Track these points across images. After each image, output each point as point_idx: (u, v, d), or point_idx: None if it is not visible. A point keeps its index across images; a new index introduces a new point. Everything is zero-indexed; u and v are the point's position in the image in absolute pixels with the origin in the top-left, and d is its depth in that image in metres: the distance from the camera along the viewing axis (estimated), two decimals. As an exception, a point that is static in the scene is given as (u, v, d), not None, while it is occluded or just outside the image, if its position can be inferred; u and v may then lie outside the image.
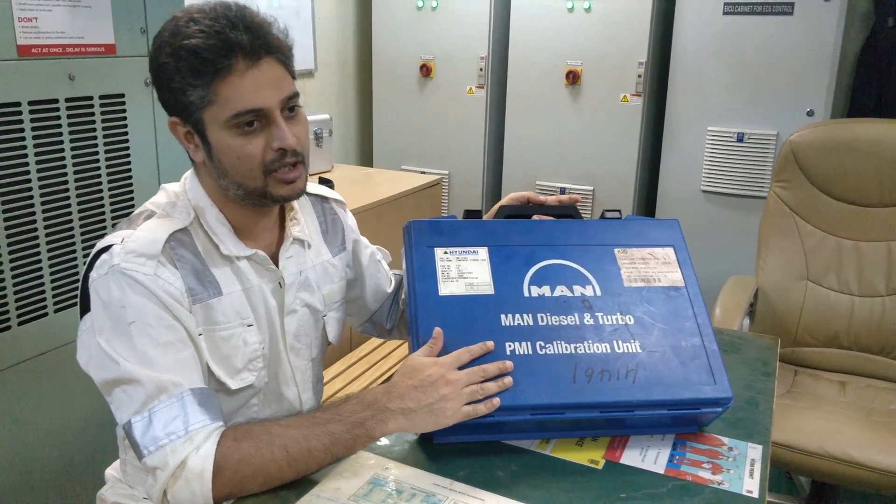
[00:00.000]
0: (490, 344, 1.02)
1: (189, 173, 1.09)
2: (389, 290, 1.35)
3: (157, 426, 0.91)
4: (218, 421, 0.94)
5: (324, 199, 1.25)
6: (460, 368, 0.99)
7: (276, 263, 1.11)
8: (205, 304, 1.02)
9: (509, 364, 1.00)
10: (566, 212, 1.21)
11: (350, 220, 1.29)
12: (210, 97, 0.96)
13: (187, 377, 0.95)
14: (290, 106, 1.01)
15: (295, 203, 1.15)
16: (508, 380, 0.99)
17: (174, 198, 1.06)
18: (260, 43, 0.96)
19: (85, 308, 0.99)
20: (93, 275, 0.98)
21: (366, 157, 3.76)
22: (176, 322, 0.97)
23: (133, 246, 0.97)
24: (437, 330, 1.02)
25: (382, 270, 1.34)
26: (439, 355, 1.01)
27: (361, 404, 0.97)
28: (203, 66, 0.94)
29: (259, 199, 1.03)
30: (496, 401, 0.98)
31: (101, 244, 1.00)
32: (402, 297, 1.36)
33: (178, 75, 0.95)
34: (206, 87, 0.95)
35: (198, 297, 1.01)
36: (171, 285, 0.98)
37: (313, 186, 1.24)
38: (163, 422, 0.91)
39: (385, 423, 0.96)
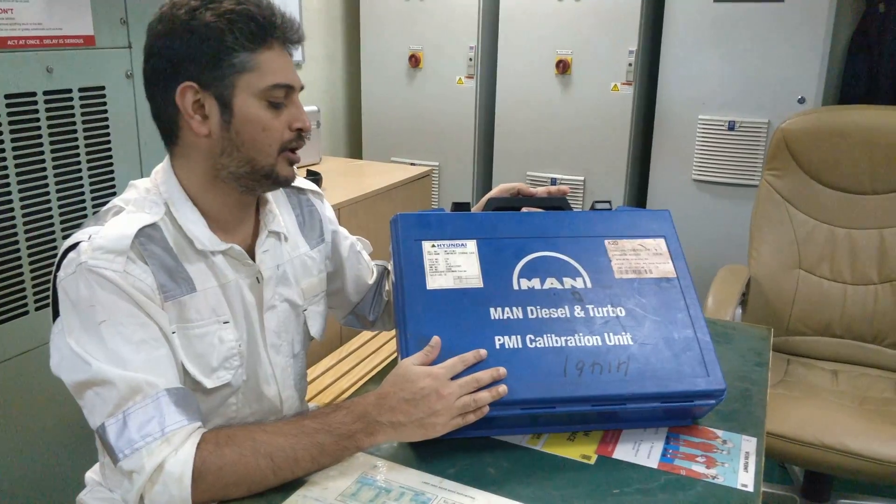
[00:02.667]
0: (483, 352, 1.00)
1: (161, 166, 1.06)
2: (371, 281, 1.33)
3: (132, 428, 0.88)
4: (196, 421, 0.92)
5: (300, 190, 1.22)
6: (454, 377, 0.97)
7: (253, 258, 1.09)
8: (177, 301, 0.99)
9: (503, 371, 0.98)
10: (556, 203, 1.20)
11: (328, 212, 1.26)
12: (252, 64, 0.97)
13: (162, 376, 0.92)
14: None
15: (269, 195, 1.13)
16: (503, 388, 0.97)
17: (144, 193, 1.03)
18: (293, 31, 1.03)
19: (57, 311, 0.97)
20: (60, 274, 0.95)
21: (355, 150, 3.74)
22: (148, 319, 0.95)
23: (101, 242, 0.94)
24: (436, 339, 1.00)
25: (363, 261, 1.32)
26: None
27: (351, 416, 0.95)
28: (258, 32, 0.97)
29: (260, 178, 1.03)
30: (486, 409, 0.97)
31: (68, 242, 0.97)
32: (386, 287, 1.35)
33: (229, 36, 0.96)
34: (252, 52, 0.97)
35: (169, 293, 0.98)
36: (141, 282, 0.95)
37: None
38: (138, 423, 0.88)
39: (374, 435, 0.95)
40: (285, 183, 1.06)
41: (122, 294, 0.93)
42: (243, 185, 1.03)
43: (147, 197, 1.02)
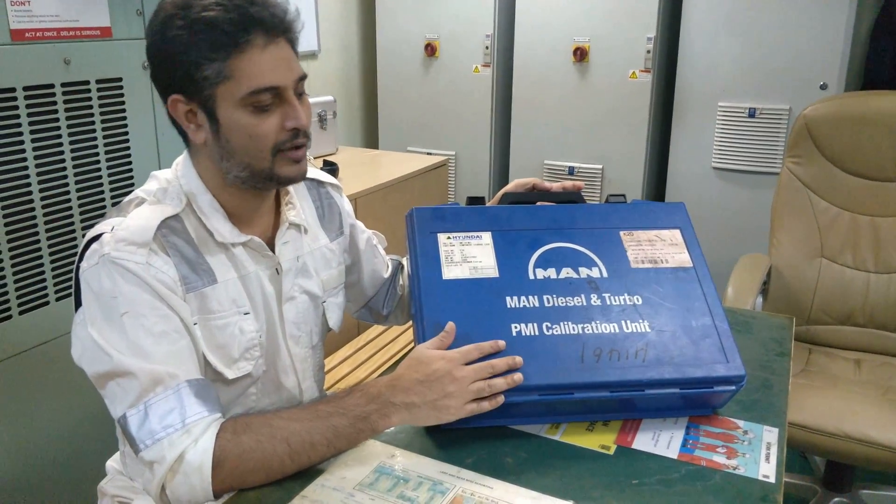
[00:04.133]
0: (501, 343, 0.99)
1: (181, 158, 1.06)
2: (386, 275, 1.33)
3: (154, 419, 0.89)
4: (216, 412, 0.93)
5: (319, 183, 1.22)
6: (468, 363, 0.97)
7: (273, 249, 1.09)
8: (199, 293, 0.99)
9: (519, 360, 0.98)
10: (571, 198, 1.20)
11: (346, 205, 1.26)
12: (226, 73, 0.93)
13: (183, 368, 0.93)
14: (300, 89, 1.00)
15: (290, 187, 1.13)
16: (518, 376, 0.97)
17: (165, 184, 1.03)
18: (278, 21, 0.95)
19: (79, 301, 0.97)
20: (83, 265, 0.95)
21: (371, 139, 3.74)
22: (170, 311, 0.95)
23: (123, 234, 0.94)
24: (450, 324, 1.00)
25: (379, 255, 1.32)
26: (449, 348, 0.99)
27: (365, 397, 0.95)
28: (223, 39, 0.92)
29: (263, 181, 1.01)
30: (501, 398, 0.97)
31: (91, 233, 0.98)
32: (400, 282, 1.35)
33: (193, 49, 0.92)
34: (223, 61, 0.93)
35: (191, 285, 0.98)
36: (163, 274, 0.95)
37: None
38: (159, 415, 0.89)
39: (388, 417, 0.95)
40: (289, 182, 1.04)
41: (145, 286, 0.93)
42: (249, 185, 1.02)
43: (168, 188, 1.02)
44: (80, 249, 0.98)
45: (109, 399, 0.93)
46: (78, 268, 0.97)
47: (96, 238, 0.96)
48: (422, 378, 0.95)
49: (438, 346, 0.98)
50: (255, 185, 1.02)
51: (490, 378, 0.96)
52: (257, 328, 1.06)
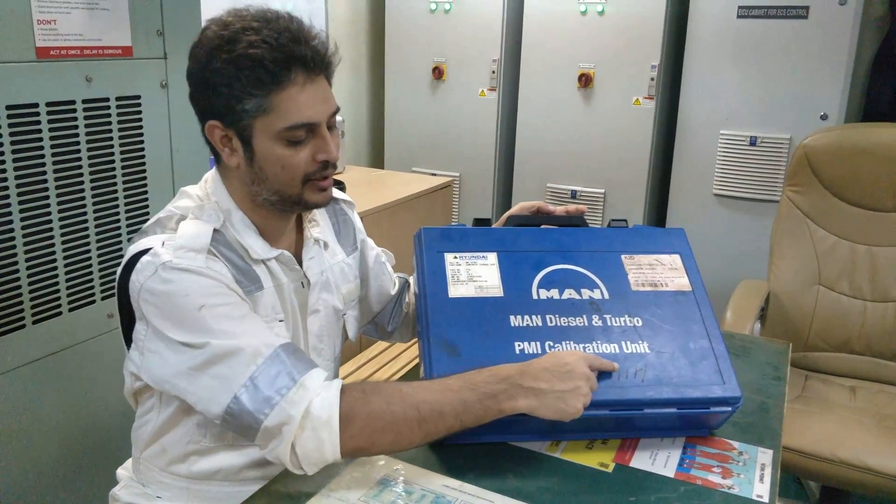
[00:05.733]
0: (616, 365, 1.03)
1: (211, 175, 1.10)
2: (393, 291, 1.36)
3: (264, 387, 0.91)
4: (316, 367, 0.95)
5: (334, 200, 1.26)
6: None
7: (299, 264, 1.13)
8: (251, 297, 1.04)
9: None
10: (574, 222, 1.23)
11: (358, 221, 1.31)
12: (266, 107, 0.97)
13: (272, 337, 0.96)
14: (332, 122, 1.04)
15: None
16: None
17: (198, 200, 1.07)
18: (319, 59, 1.00)
19: (129, 319, 1.00)
20: (137, 278, 0.97)
21: (377, 159, 3.78)
22: (241, 300, 0.99)
23: (181, 242, 0.98)
24: None
25: (387, 272, 1.35)
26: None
27: (495, 378, 0.96)
28: (266, 77, 0.96)
29: (291, 205, 1.06)
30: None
31: (134, 249, 1.01)
32: (406, 300, 1.38)
33: (237, 83, 0.96)
34: (264, 97, 0.97)
35: (245, 289, 1.03)
36: (222, 276, 0.99)
37: None
38: (268, 381, 0.91)
39: (515, 399, 0.95)
40: (316, 207, 1.09)
41: (213, 280, 0.97)
42: (277, 208, 1.06)
43: (204, 205, 1.06)
44: (121, 268, 1.01)
45: (208, 395, 0.94)
46: (125, 284, 0.99)
47: (142, 253, 0.98)
48: (551, 367, 0.97)
49: None
50: (283, 208, 1.07)
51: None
52: (289, 336, 1.10)
